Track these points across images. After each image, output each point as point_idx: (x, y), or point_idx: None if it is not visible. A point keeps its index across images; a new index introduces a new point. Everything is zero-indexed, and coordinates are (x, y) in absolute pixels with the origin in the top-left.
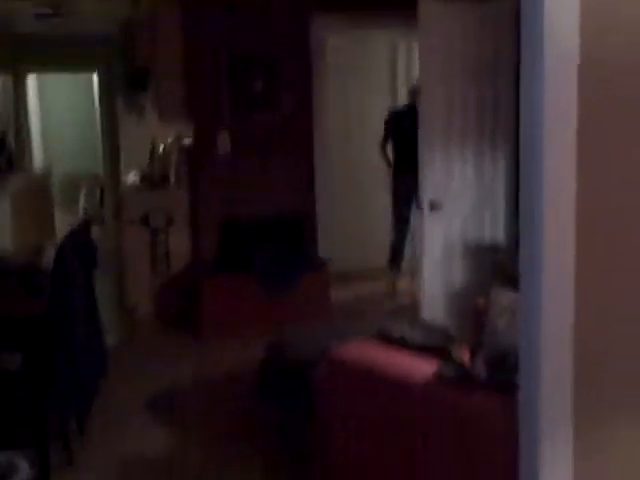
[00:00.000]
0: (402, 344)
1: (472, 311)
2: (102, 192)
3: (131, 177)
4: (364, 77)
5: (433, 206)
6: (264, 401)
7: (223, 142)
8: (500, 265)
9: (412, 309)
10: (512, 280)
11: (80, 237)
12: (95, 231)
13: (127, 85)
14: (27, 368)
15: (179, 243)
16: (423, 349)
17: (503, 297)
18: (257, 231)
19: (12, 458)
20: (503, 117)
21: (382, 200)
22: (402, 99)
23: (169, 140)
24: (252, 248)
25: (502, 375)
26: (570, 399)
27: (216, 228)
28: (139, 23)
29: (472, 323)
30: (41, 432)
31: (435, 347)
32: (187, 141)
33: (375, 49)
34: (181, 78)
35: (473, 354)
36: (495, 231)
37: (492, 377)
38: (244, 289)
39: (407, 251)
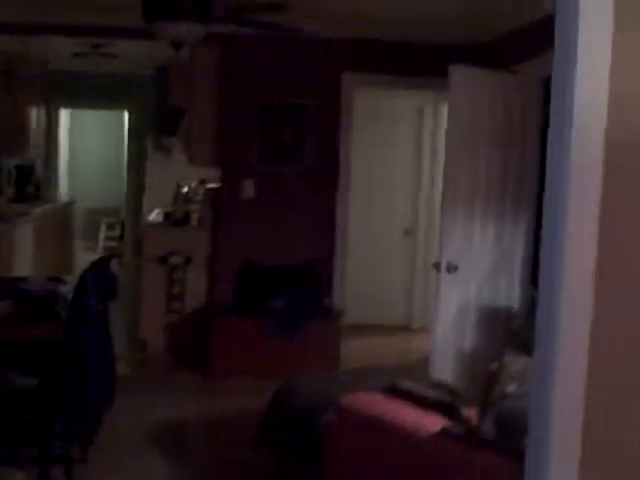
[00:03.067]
0: (411, 398)
1: (484, 374)
2: (122, 227)
3: (154, 215)
4: (390, 135)
5: (450, 268)
6: (264, 446)
7: (248, 188)
8: (514, 331)
9: (423, 368)
10: (526, 346)
11: (102, 268)
12: (114, 264)
13: (158, 126)
14: (39, 390)
15: (196, 283)
16: (432, 405)
17: (516, 362)
18: (273, 277)
19: (13, 476)
20: (526, 184)
21: (400, 258)
22: (426, 159)
23: (194, 182)
24: (267, 293)
25: (510, 438)
26: (577, 469)
27: (233, 271)
28: (175, 67)
29: (482, 385)
30: (44, 454)
31: (443, 404)
32: (212, 184)
33: (403, 109)
34: (212, 123)
35: (482, 415)
36: (510, 296)
37: (500, 439)
38: (255, 333)
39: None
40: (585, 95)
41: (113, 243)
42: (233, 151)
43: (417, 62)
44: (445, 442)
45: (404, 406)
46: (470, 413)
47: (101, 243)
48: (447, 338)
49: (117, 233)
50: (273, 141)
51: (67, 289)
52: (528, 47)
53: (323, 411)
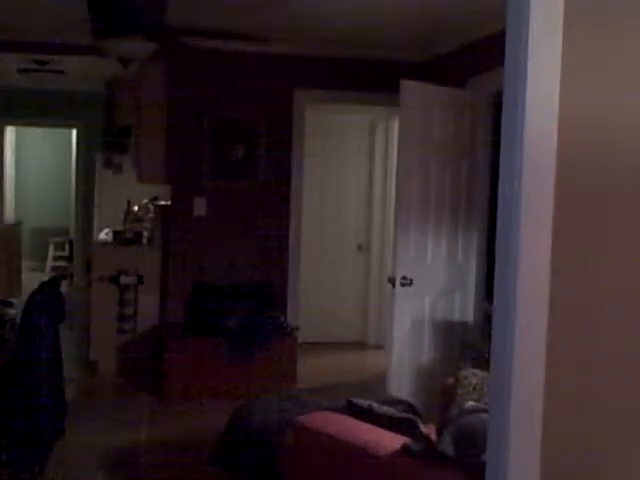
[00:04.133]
0: (368, 416)
1: (441, 389)
2: (71, 247)
3: (104, 234)
4: (342, 150)
5: (404, 282)
6: (221, 467)
7: (199, 206)
8: (470, 345)
9: (379, 384)
10: (481, 360)
11: (50, 289)
12: (64, 285)
13: (107, 144)
14: None
15: (148, 303)
16: (390, 422)
17: (472, 376)
18: (227, 295)
19: None
20: (477, 198)
21: (353, 274)
22: (378, 174)
23: (144, 200)
24: (221, 312)
25: (469, 453)
26: None
27: (186, 290)
28: (123, 84)
29: (440, 400)
30: None
31: (402, 421)
32: (163, 202)
33: (354, 124)
34: (162, 140)
35: (440, 431)
36: (464, 310)
37: (459, 454)
38: (210, 353)
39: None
40: (535, 116)
41: (62, 263)
42: (183, 168)
43: (369, 78)
44: (405, 460)
45: (362, 424)
46: (429, 430)
47: (49, 263)
48: (403, 353)
49: (66, 253)
50: (225, 158)
51: (15, 312)
52: (479, 62)
53: (281, 431)
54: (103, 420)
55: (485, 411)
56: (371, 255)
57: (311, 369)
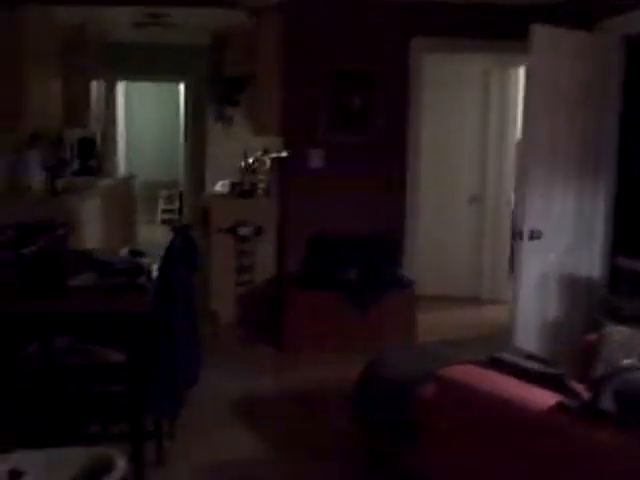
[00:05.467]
0: (513, 371)
1: (582, 345)
2: (181, 200)
3: (219, 186)
4: (455, 100)
5: (533, 236)
6: (356, 419)
7: (316, 158)
8: (604, 300)
9: (503, 339)
10: (623, 319)
11: (186, 239)
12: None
13: (217, 97)
14: (130, 364)
15: (265, 254)
16: (537, 378)
17: (617, 333)
18: (344, 248)
19: (109, 453)
20: (605, 149)
21: (466, 226)
22: (493, 127)
23: (259, 152)
24: (338, 264)
25: (634, 411)
26: None
27: (303, 242)
28: (235, 36)
29: (581, 357)
30: (137, 429)
31: (550, 377)
32: (279, 154)
33: (469, 73)
34: (278, 92)
35: (596, 388)
36: (592, 265)
37: (622, 413)
38: (328, 305)
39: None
40: None
41: (171, 216)
42: (300, 120)
43: (487, 24)
44: (561, 417)
45: (508, 379)
46: (578, 386)
47: (159, 216)
48: (529, 308)
49: (175, 206)
50: (341, 109)
51: (148, 261)
52: (607, 5)
53: (418, 383)
54: (227, 369)
55: None
56: (485, 208)
57: (427, 323)
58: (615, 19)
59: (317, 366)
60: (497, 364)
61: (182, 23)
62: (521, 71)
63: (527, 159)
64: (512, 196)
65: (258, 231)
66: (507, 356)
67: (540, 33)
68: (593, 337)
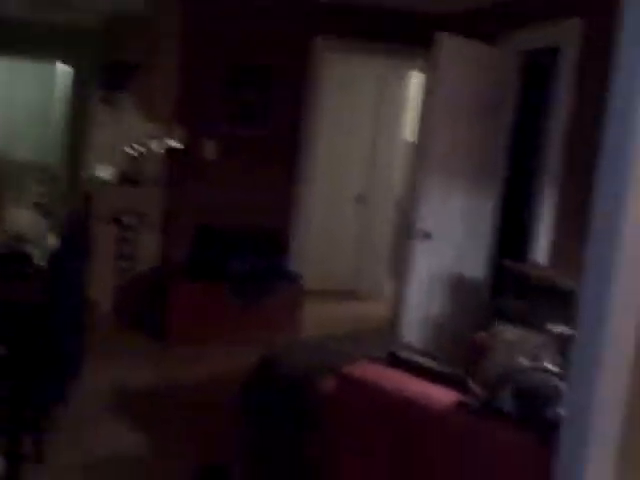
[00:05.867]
0: (413, 368)
1: (471, 344)
2: (55, 183)
3: (100, 172)
4: (352, 100)
5: (424, 236)
6: (247, 413)
7: (209, 149)
8: (494, 304)
9: (391, 333)
10: (508, 320)
11: (79, 226)
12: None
13: (105, 81)
14: (12, 356)
15: (149, 243)
16: (437, 376)
17: (508, 332)
18: (232, 240)
19: None
20: (496, 159)
21: (349, 225)
22: (384, 126)
23: (148, 139)
24: (225, 256)
25: (532, 412)
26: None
27: (190, 232)
28: (128, 20)
29: (471, 356)
30: (16, 423)
31: (449, 375)
32: (171, 142)
33: (365, 75)
34: (172, 79)
35: (494, 387)
36: (477, 267)
37: (520, 412)
38: (214, 297)
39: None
40: None
41: (43, 199)
42: (196, 111)
43: (387, 29)
44: (461, 415)
45: (408, 377)
46: (475, 386)
47: (31, 198)
48: (416, 306)
49: (48, 189)
50: (239, 103)
51: (30, 248)
52: (508, 20)
53: (317, 378)
54: (109, 361)
55: (545, 371)
56: (371, 208)
57: (311, 317)
58: (513, 34)
59: (201, 359)
60: (397, 361)
61: (77, 5)
62: (414, 76)
63: (424, 162)
64: (404, 197)
65: (142, 219)
66: (406, 354)
67: (444, 41)
68: (483, 336)
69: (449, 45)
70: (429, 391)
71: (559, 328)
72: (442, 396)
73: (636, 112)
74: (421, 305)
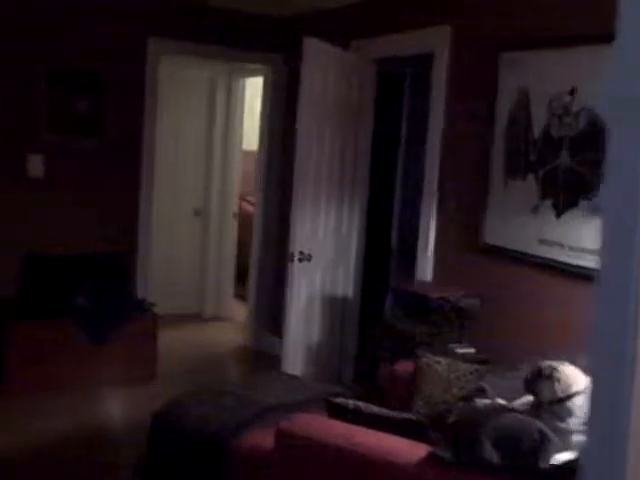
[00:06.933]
0: (358, 416)
1: (389, 375)
2: None
3: None
4: (181, 108)
5: (302, 258)
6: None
7: (34, 165)
8: (387, 324)
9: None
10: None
11: None
12: None
13: None
14: None
15: None
16: (389, 424)
17: (435, 364)
18: (68, 268)
19: None
20: (360, 170)
21: (188, 242)
22: (218, 138)
23: None
24: (64, 288)
25: (521, 462)
26: None
27: (17, 262)
28: None
29: (391, 389)
30: None
31: (403, 422)
32: None
33: (198, 78)
34: None
35: (460, 435)
36: (346, 286)
37: (508, 463)
38: (56, 336)
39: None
40: None
41: None
42: (15, 120)
43: (229, 31)
44: (436, 470)
45: (358, 428)
46: (435, 433)
47: None
48: (298, 331)
49: None
50: (66, 111)
51: None
52: (360, 25)
53: (236, 435)
54: None
55: (510, 410)
56: (210, 222)
57: (162, 346)
58: (366, 41)
59: (51, 411)
60: (337, 410)
61: None
62: (249, 81)
63: (297, 179)
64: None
65: None
66: (344, 401)
67: (311, 46)
68: (405, 366)
69: (314, 49)
70: (388, 443)
71: (462, 349)
72: (405, 448)
73: None
74: (300, 330)
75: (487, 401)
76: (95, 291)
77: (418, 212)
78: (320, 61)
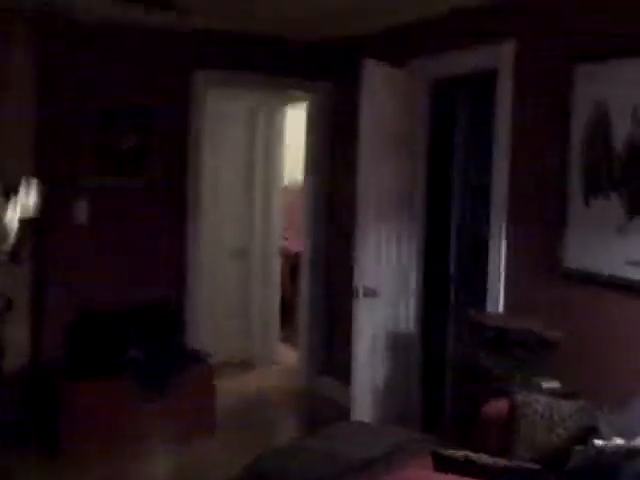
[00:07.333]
0: (470, 468)
1: (484, 416)
2: None
3: None
4: (218, 142)
5: (367, 293)
6: None
7: (80, 211)
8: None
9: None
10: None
11: None
12: None
13: None
14: None
15: (18, 334)
16: (510, 475)
17: (535, 402)
18: (119, 323)
19: None
20: (417, 197)
21: (231, 286)
22: (259, 170)
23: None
24: (118, 343)
25: None
26: None
27: (65, 319)
28: None
29: (489, 431)
30: None
31: (525, 472)
32: (32, 208)
33: (237, 109)
34: (31, 129)
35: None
36: (407, 319)
37: None
38: (112, 394)
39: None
40: None
41: None
42: (61, 162)
43: (272, 59)
44: None
45: None
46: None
47: None
48: (365, 372)
49: None
50: (113, 150)
51: None
52: (415, 46)
53: None
54: None
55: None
56: (252, 263)
57: (218, 397)
58: (421, 61)
59: (111, 473)
60: (445, 463)
61: None
62: (289, 110)
63: (361, 209)
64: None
65: (9, 305)
66: (453, 452)
67: (371, 68)
68: (497, 407)
69: (375, 72)
70: None
71: (547, 383)
72: None
73: None
74: (369, 372)
75: (604, 442)
76: (147, 344)
77: (477, 237)
78: (379, 83)
